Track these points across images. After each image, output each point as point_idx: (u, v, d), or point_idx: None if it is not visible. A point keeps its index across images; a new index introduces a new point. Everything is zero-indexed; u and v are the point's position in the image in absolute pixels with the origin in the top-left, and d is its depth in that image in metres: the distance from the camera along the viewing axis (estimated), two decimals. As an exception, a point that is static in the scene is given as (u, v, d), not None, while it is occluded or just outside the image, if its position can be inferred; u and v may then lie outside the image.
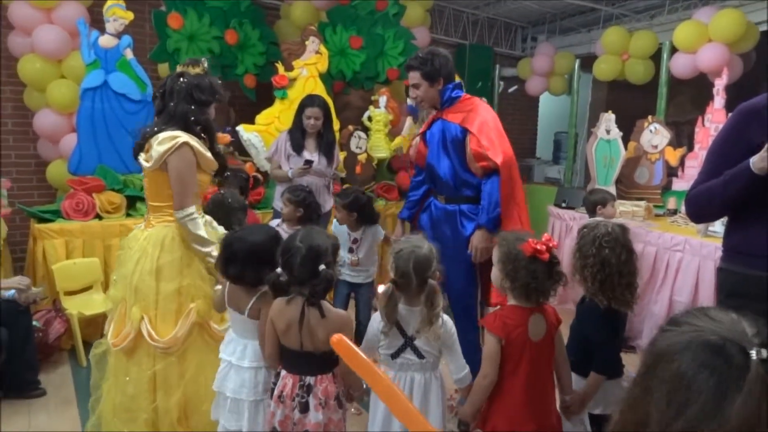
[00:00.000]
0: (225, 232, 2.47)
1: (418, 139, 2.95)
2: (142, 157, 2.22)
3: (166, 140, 2.12)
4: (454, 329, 1.90)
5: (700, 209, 1.75)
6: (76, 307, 3.42)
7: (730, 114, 1.83)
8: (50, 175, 4.46)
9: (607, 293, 1.97)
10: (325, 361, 1.85)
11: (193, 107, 2.21)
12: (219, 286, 2.15)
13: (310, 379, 1.83)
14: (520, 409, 1.82)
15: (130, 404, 2.17)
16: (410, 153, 3.03)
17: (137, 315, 2.16)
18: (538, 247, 1.77)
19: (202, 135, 2.26)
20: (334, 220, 3.32)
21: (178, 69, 2.34)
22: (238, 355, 1.98)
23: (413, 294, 1.84)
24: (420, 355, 1.86)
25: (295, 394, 1.83)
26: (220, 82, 2.38)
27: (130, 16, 3.92)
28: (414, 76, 2.73)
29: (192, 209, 2.14)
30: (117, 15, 3.86)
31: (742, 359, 0.67)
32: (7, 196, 3.92)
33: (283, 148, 3.81)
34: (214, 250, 2.17)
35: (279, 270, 1.82)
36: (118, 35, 3.92)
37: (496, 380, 1.81)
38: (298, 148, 3.74)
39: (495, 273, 1.91)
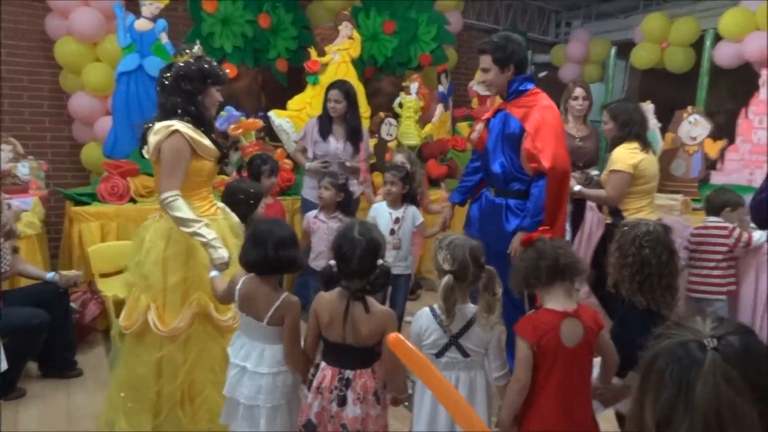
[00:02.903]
0: (238, 220, 2.48)
1: (482, 125, 2.90)
2: (145, 150, 2.25)
3: (160, 130, 2.15)
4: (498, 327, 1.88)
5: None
6: (111, 289, 3.46)
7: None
8: (84, 158, 4.52)
9: (646, 294, 1.92)
10: (365, 356, 1.84)
11: (180, 99, 2.20)
12: (214, 273, 2.11)
13: (349, 373, 1.82)
14: (553, 417, 1.78)
15: (138, 384, 2.25)
16: (472, 137, 2.99)
17: (144, 303, 2.22)
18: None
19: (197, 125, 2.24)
20: (381, 203, 3.28)
21: (173, 60, 2.33)
22: (254, 360, 1.90)
23: (466, 286, 1.81)
24: (465, 354, 1.83)
25: (334, 387, 1.82)
26: (214, 63, 2.30)
27: (166, 0, 3.92)
28: (485, 60, 2.67)
29: (170, 194, 2.12)
30: (152, -1, 3.87)
31: (700, 351, 0.82)
32: (44, 178, 3.99)
33: (310, 133, 3.82)
34: (200, 228, 2.13)
35: (332, 262, 1.80)
36: (154, 19, 3.93)
37: (528, 385, 1.78)
38: (324, 133, 3.76)
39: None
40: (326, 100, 3.75)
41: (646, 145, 3.19)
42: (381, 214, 3.17)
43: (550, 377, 1.77)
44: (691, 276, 3.33)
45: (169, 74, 2.22)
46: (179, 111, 2.19)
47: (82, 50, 4.18)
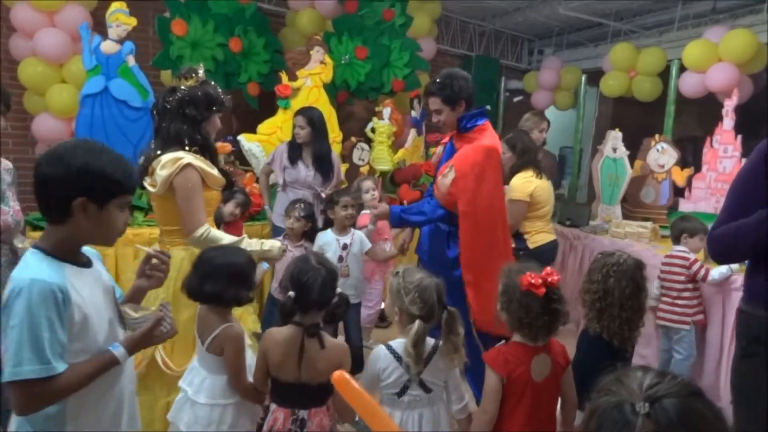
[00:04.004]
0: None
1: (441, 148, 2.99)
2: (147, 181, 2.13)
3: (168, 164, 2.03)
4: None
5: (727, 250, 1.66)
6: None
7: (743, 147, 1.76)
8: (48, 180, 4.39)
9: (603, 322, 1.94)
10: (319, 394, 1.77)
11: (185, 126, 2.10)
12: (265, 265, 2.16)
13: (303, 413, 1.75)
14: None
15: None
16: (432, 161, 3.05)
17: None
18: (533, 281, 1.69)
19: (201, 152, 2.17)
20: (327, 230, 3.24)
21: (173, 82, 2.24)
22: (194, 387, 1.82)
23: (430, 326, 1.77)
24: (427, 389, 1.78)
25: (287, 429, 1.75)
26: (218, 88, 2.24)
27: (134, 22, 3.87)
28: (435, 102, 2.63)
29: (203, 228, 2.06)
30: (120, 21, 3.81)
31: (633, 415, 0.80)
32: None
33: (279, 158, 3.79)
34: (244, 244, 2.11)
35: (291, 293, 1.72)
36: (121, 41, 3.87)
37: (496, 417, 1.74)
38: (293, 159, 3.74)
39: (496, 304, 1.86)
40: (293, 125, 3.75)
41: (539, 172, 3.40)
42: (328, 241, 3.13)
43: (516, 410, 1.75)
44: (660, 303, 3.35)
45: (172, 98, 2.12)
46: (186, 140, 2.10)
47: (47, 71, 4.10)
